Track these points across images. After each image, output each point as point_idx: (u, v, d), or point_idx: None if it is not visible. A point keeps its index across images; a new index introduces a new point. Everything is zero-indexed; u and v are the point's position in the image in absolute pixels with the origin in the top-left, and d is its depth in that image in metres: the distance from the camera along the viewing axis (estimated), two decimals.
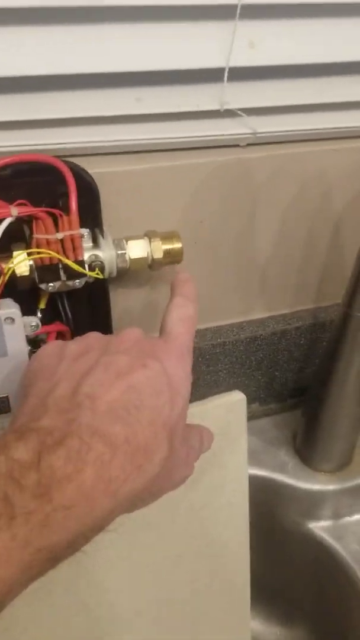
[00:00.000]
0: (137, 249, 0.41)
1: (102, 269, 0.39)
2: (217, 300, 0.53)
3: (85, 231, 0.39)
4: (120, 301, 0.47)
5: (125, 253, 0.41)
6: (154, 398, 0.27)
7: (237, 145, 0.45)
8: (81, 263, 0.38)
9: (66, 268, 0.38)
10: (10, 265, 0.36)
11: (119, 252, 0.40)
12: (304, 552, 0.57)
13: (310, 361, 0.60)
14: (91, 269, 0.39)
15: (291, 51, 0.43)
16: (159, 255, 0.42)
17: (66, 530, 0.23)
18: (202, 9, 0.40)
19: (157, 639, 0.50)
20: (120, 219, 0.43)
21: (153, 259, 0.42)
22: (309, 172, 0.48)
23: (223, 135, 0.44)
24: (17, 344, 0.37)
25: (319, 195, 0.50)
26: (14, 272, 0.37)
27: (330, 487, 0.57)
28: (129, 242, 0.41)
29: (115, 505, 0.25)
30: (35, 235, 0.37)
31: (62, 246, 0.37)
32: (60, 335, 0.42)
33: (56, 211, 0.37)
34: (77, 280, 0.39)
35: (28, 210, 0.36)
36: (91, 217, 0.40)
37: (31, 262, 0.37)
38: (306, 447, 0.57)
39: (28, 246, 0.37)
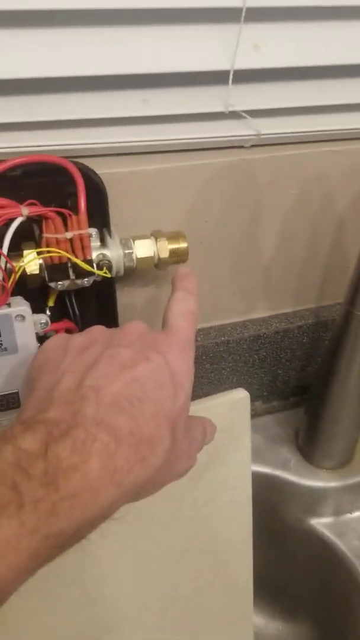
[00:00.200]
0: (143, 249, 0.42)
1: (109, 268, 0.40)
2: (221, 299, 0.53)
3: (93, 231, 0.40)
4: (127, 299, 0.48)
5: (132, 252, 0.41)
6: (157, 391, 0.28)
7: (242, 147, 0.46)
8: (90, 262, 0.39)
9: (75, 267, 0.38)
10: (21, 264, 0.37)
11: (126, 251, 0.41)
12: (306, 549, 0.58)
13: (313, 360, 0.60)
14: (99, 268, 0.40)
15: (295, 54, 0.43)
16: (165, 254, 0.42)
17: (72, 518, 0.23)
18: (207, 12, 0.40)
19: (160, 634, 0.50)
20: (127, 219, 0.43)
21: (159, 259, 0.42)
22: (312, 173, 0.49)
23: (227, 136, 0.44)
24: (27, 341, 0.37)
25: (321, 195, 0.50)
26: (24, 270, 0.37)
27: (332, 484, 0.57)
28: (136, 241, 0.41)
29: (120, 495, 0.25)
30: (45, 235, 0.37)
31: (71, 245, 0.38)
32: (68, 333, 0.42)
33: (65, 211, 0.37)
34: (86, 279, 0.39)
35: (38, 210, 0.37)
36: (99, 216, 0.40)
37: (41, 261, 0.38)
38: (308, 444, 0.58)
39: (38, 245, 0.38)
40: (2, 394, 0.38)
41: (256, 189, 0.48)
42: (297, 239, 0.52)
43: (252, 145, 0.46)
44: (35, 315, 0.38)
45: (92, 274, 0.39)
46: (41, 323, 0.40)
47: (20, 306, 0.37)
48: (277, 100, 0.45)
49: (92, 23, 0.38)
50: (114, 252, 0.40)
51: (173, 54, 0.41)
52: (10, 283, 0.36)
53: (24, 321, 0.37)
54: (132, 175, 0.42)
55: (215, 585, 0.51)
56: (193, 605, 0.51)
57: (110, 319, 0.45)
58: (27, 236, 0.38)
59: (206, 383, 0.56)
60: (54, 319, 0.41)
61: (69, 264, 0.38)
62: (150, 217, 0.45)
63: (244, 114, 0.44)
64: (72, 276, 0.39)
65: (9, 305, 0.37)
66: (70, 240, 0.38)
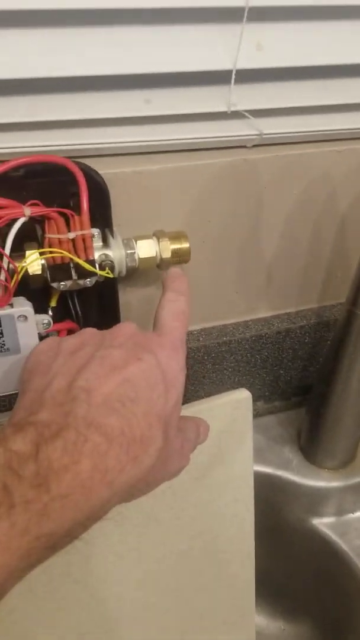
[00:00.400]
0: (146, 249, 0.41)
1: (112, 268, 0.40)
2: (223, 299, 0.53)
3: (95, 231, 0.40)
4: (129, 299, 0.48)
5: (134, 252, 0.41)
6: (148, 391, 0.28)
7: (244, 146, 0.46)
8: (92, 262, 0.39)
9: (77, 267, 0.38)
10: (24, 264, 0.37)
11: (129, 251, 0.41)
12: (307, 548, 0.58)
13: (315, 360, 0.60)
14: (101, 268, 0.40)
15: (298, 53, 0.43)
16: (167, 254, 0.42)
17: (64, 519, 0.23)
18: (210, 11, 0.40)
19: (162, 633, 0.50)
20: (129, 219, 0.43)
21: (161, 259, 0.42)
22: (314, 173, 0.49)
23: (230, 136, 0.44)
24: (30, 341, 0.37)
25: (323, 195, 0.50)
26: (26, 270, 0.37)
27: (334, 484, 0.57)
28: (138, 241, 0.41)
29: (112, 495, 0.25)
30: (47, 235, 0.37)
31: (74, 246, 0.38)
32: (70, 333, 0.42)
33: (68, 211, 0.37)
34: (88, 279, 0.39)
35: (40, 210, 0.37)
36: (101, 217, 0.40)
37: (43, 261, 0.38)
38: (310, 444, 0.58)
39: (40, 246, 0.38)
40: (4, 394, 0.39)
41: (258, 189, 0.48)
42: (299, 238, 0.52)
43: (255, 145, 0.46)
44: (37, 315, 0.38)
45: (95, 274, 0.39)
46: (43, 323, 0.40)
47: (22, 306, 0.37)
48: (280, 100, 0.45)
49: (94, 23, 0.38)
50: (116, 253, 0.40)
51: (175, 54, 0.41)
52: (12, 283, 0.36)
53: (27, 321, 0.37)
54: (134, 175, 0.42)
55: (217, 583, 0.51)
56: (195, 604, 0.51)
57: (112, 319, 0.45)
58: (29, 236, 0.38)
59: (208, 383, 0.56)
60: (56, 319, 0.41)
61: (72, 265, 0.38)
62: (153, 217, 0.45)
63: (246, 114, 0.44)
64: (74, 276, 0.39)
65: (11, 305, 0.37)
66: (73, 240, 0.38)
